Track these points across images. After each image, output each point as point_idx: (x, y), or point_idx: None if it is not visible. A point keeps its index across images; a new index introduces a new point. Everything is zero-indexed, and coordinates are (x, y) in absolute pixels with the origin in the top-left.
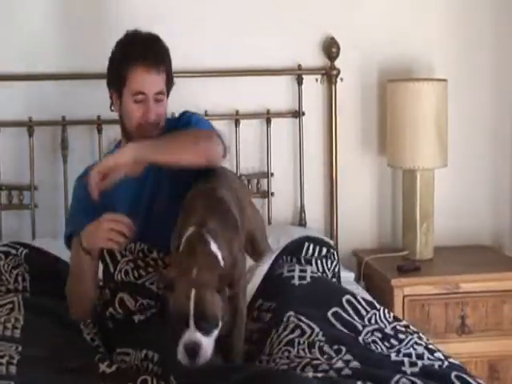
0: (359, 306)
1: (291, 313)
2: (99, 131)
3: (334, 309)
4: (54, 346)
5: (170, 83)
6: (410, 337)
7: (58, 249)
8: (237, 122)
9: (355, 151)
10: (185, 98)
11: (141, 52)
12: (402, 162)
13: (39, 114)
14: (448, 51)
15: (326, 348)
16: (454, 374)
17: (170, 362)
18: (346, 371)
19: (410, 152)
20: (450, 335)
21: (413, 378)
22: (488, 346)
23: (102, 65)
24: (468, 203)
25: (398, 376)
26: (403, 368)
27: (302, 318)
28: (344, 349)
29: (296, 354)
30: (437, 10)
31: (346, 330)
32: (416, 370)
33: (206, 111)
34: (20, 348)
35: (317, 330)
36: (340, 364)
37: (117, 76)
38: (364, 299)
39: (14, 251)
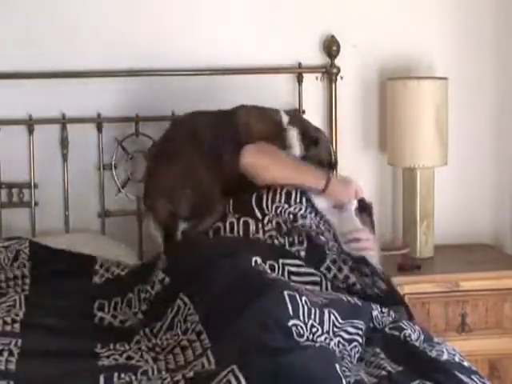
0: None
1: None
2: (99, 129)
3: None
4: (54, 340)
5: None
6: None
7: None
8: None
9: (355, 149)
10: (185, 96)
11: None
12: (402, 161)
13: (39, 112)
14: (449, 49)
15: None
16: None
17: None
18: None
19: (410, 150)
20: (450, 334)
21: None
22: (488, 345)
23: (101, 62)
24: (468, 201)
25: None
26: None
27: None
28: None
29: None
30: (438, 7)
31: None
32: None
33: None
34: (19, 342)
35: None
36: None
37: None
38: None
39: (14, 241)
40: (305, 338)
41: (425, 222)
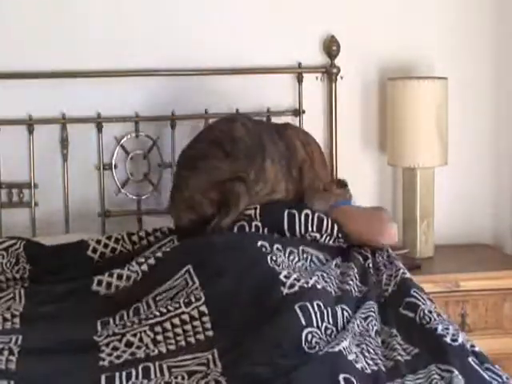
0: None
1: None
2: (99, 129)
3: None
4: (54, 331)
5: None
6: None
7: None
8: None
9: (355, 150)
10: (185, 96)
11: None
12: (402, 161)
13: (39, 112)
14: (448, 49)
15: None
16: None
17: None
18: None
19: (410, 150)
20: None
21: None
22: (488, 345)
23: (101, 63)
24: (468, 201)
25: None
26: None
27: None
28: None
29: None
30: (437, 7)
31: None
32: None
33: (206, 110)
34: (20, 339)
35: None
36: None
37: None
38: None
39: (13, 241)
40: (316, 349)
41: (425, 222)
